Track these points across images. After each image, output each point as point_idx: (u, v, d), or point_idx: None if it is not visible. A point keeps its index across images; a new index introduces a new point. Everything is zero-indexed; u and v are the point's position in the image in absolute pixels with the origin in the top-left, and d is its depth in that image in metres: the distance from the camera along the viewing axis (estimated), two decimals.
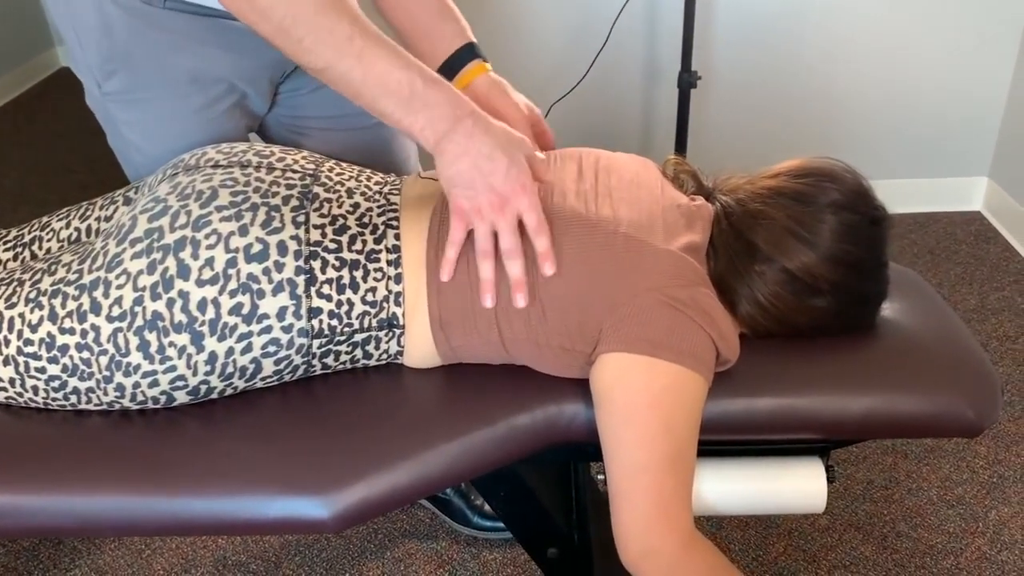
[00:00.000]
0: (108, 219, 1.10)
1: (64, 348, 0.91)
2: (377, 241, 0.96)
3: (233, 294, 0.90)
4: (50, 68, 3.98)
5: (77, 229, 1.11)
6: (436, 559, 1.57)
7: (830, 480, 1.01)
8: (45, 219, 1.15)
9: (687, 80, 2.13)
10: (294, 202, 0.95)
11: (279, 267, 0.91)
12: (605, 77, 2.42)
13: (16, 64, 3.75)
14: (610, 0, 2.32)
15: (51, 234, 1.12)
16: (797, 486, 1.01)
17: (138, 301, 0.90)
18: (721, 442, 1.02)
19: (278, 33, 0.87)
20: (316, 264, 0.93)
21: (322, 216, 0.96)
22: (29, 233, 1.13)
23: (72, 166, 3.09)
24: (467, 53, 1.13)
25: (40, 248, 1.12)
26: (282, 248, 0.92)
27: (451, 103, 0.88)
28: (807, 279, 0.96)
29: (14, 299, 0.94)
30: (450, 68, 1.13)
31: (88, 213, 1.12)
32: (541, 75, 2.46)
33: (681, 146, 2.22)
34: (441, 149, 0.89)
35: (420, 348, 0.98)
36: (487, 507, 1.59)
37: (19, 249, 1.12)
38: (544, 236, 0.91)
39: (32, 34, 3.88)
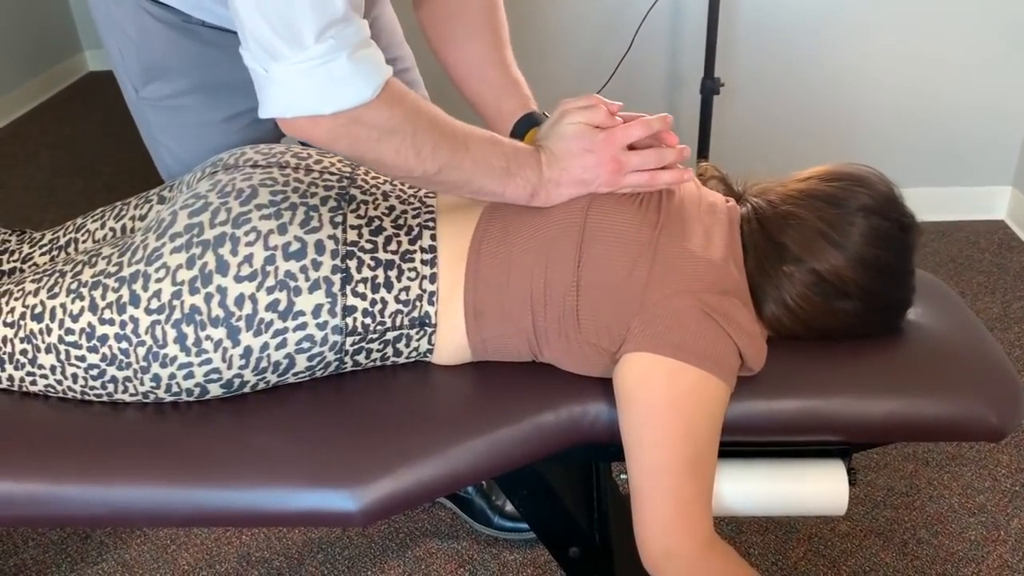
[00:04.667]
0: (143, 218, 1.12)
1: (103, 338, 0.94)
2: (412, 241, 0.98)
3: (270, 291, 0.92)
4: (77, 73, 4.03)
5: (112, 229, 1.13)
6: (457, 559, 1.58)
7: (852, 483, 1.01)
8: (79, 220, 1.16)
9: (710, 87, 2.14)
10: (332, 203, 0.97)
11: (316, 265, 0.93)
12: (628, 83, 2.43)
13: (44, 68, 3.80)
14: (634, 6, 2.34)
15: (86, 235, 1.13)
16: (819, 487, 1.01)
17: (176, 295, 0.92)
18: (743, 443, 1.02)
19: (397, 155, 0.91)
20: (352, 263, 0.95)
21: (359, 217, 0.97)
22: (64, 236, 1.15)
23: (99, 168, 3.13)
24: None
25: (75, 250, 1.13)
26: (319, 247, 0.94)
27: (529, 152, 0.98)
28: (835, 281, 0.97)
29: (56, 289, 0.96)
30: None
31: (123, 213, 1.14)
32: (565, 80, 2.48)
33: (703, 152, 2.23)
34: (538, 192, 0.97)
35: (451, 342, 1.00)
36: (508, 507, 1.60)
37: (55, 252, 1.14)
38: (655, 124, 0.99)
39: (60, 39, 3.93)
